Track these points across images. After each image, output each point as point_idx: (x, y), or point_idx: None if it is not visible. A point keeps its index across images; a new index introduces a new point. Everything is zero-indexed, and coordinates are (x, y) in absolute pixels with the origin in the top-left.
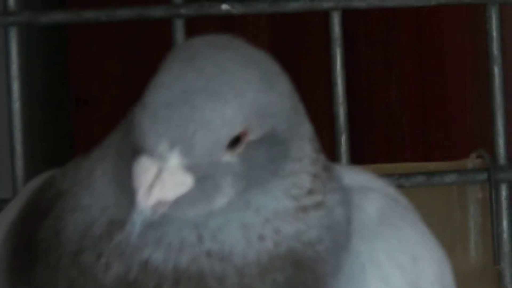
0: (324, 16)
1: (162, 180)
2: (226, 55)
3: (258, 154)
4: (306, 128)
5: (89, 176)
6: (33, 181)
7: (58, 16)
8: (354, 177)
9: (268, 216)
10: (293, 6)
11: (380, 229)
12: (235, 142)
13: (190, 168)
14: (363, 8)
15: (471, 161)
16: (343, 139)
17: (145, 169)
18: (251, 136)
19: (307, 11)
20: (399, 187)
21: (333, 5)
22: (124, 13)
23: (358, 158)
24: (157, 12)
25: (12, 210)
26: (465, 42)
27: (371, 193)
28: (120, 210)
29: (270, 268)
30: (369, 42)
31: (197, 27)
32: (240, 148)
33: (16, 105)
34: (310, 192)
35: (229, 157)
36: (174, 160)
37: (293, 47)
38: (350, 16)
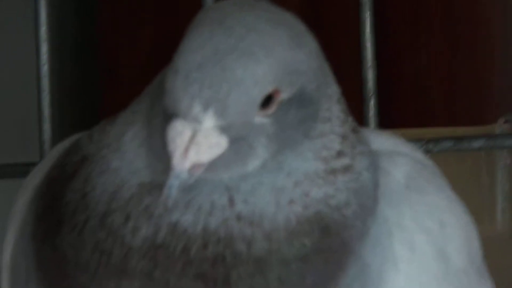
0: None
1: (198, 143)
2: (254, 15)
3: (289, 115)
4: (333, 89)
5: (118, 139)
6: (59, 145)
7: None
8: (382, 141)
9: (298, 179)
10: None
11: (407, 194)
12: (267, 102)
13: (224, 129)
14: None
15: (499, 126)
16: (372, 103)
17: (179, 133)
18: (282, 96)
19: None
20: (427, 152)
21: None
22: None
23: (386, 123)
24: None
25: (38, 173)
26: (495, 8)
27: (399, 157)
28: (151, 173)
29: (298, 232)
30: (398, 7)
31: None
32: (272, 109)
33: (45, 68)
34: (339, 154)
35: (262, 118)
36: (209, 122)
37: (322, 11)
38: None
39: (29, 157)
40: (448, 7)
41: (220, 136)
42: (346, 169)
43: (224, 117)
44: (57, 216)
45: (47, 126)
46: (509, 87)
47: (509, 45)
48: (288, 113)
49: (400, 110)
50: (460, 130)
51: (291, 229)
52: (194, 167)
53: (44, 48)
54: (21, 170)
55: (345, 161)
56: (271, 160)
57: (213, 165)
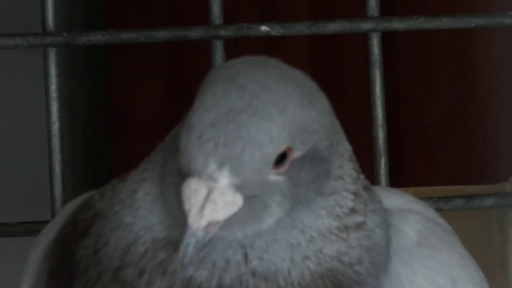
0: (363, 38)
1: (213, 201)
2: (265, 73)
3: (302, 172)
4: (345, 147)
5: (131, 196)
6: (72, 202)
7: (97, 37)
8: (394, 199)
9: (312, 235)
10: (332, 28)
11: (419, 251)
12: (281, 159)
13: (239, 187)
14: (402, 30)
15: (510, 184)
16: (383, 162)
17: (194, 191)
18: (295, 154)
19: (346, 33)
20: (438, 210)
21: (372, 27)
22: (162, 34)
23: (397, 181)
24: (196, 33)
25: (51, 231)
26: (508, 63)
27: (410, 215)
28: (165, 229)
29: None
30: (408, 64)
31: (236, 48)
32: (286, 166)
33: (55, 126)
34: (352, 211)
35: (276, 176)
36: (224, 180)
37: (333, 69)
38: (389, 38)
39: (40, 215)
40: (460, 64)
41: (235, 194)
42: (359, 226)
43: (239, 175)
44: (69, 273)
45: (58, 185)
46: None
47: None
48: (301, 170)
49: (411, 168)
50: (471, 189)
51: (304, 285)
52: (210, 225)
53: (54, 107)
54: (32, 229)
55: (357, 218)
56: (285, 218)
57: (228, 223)
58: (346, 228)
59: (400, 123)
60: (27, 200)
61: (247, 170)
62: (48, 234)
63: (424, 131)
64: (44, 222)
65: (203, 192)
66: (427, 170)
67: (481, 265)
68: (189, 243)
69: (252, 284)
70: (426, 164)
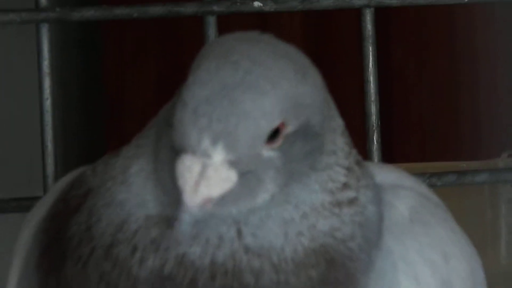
0: (357, 14)
1: (207, 177)
2: (259, 49)
3: (296, 147)
4: (337, 122)
5: (124, 172)
6: (63, 179)
7: (89, 13)
8: (386, 174)
9: (305, 211)
10: (325, 3)
11: (411, 226)
12: (274, 135)
13: (233, 163)
14: (395, 5)
15: (503, 161)
16: (375, 137)
17: (189, 167)
18: (289, 129)
19: (339, 9)
20: (431, 186)
21: (365, 3)
22: (155, 9)
23: (389, 157)
24: (189, 9)
25: (42, 207)
26: (499, 41)
27: (402, 190)
28: (158, 206)
29: (305, 264)
30: (401, 40)
31: (229, 25)
32: (279, 142)
33: (47, 102)
34: (345, 186)
35: (269, 151)
36: (218, 156)
37: (326, 44)
38: (382, 14)
39: (33, 191)
40: (451, 43)
41: (230, 170)
42: (351, 202)
43: (233, 151)
44: (61, 249)
45: (50, 161)
46: None
47: None
48: (294, 145)
49: (403, 144)
50: (463, 165)
51: (298, 261)
52: (205, 201)
53: (47, 83)
54: (25, 205)
55: (350, 193)
56: (279, 193)
57: (223, 199)
58: (339, 204)
59: (393, 99)
60: (20, 177)
61: (242, 146)
62: (40, 211)
63: (416, 107)
64: (37, 198)
65: (197, 168)
66: (419, 146)
67: (473, 241)
68: (184, 220)
69: (245, 261)
70: (418, 140)
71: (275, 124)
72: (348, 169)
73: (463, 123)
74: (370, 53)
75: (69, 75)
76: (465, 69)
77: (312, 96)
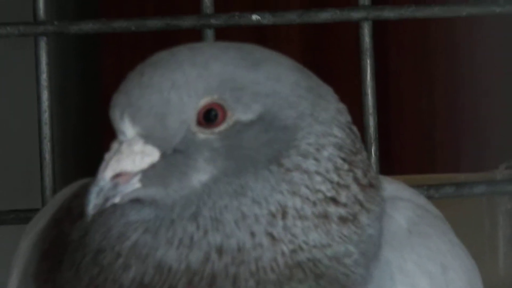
0: (355, 27)
1: (119, 151)
2: (210, 47)
3: (248, 136)
4: (332, 133)
5: None
6: (63, 191)
7: (88, 26)
8: (385, 186)
9: (271, 210)
10: (323, 17)
11: (410, 238)
12: (211, 117)
13: (148, 137)
14: (393, 18)
15: (500, 172)
16: (373, 150)
17: (110, 148)
18: (240, 117)
19: (338, 22)
20: (429, 198)
21: (363, 16)
22: (154, 23)
23: (387, 169)
24: (187, 22)
25: (43, 217)
26: (498, 53)
27: (401, 202)
28: (137, 213)
29: (288, 277)
30: (399, 52)
31: (227, 38)
32: (221, 127)
33: (46, 115)
34: (332, 201)
35: (207, 134)
36: (129, 130)
37: (324, 57)
38: (380, 27)
39: (31, 203)
40: (450, 53)
41: (146, 146)
42: (343, 220)
43: (138, 121)
44: (60, 254)
45: (48, 173)
46: (510, 133)
47: (511, 91)
48: (245, 133)
49: (402, 157)
50: (461, 177)
51: (278, 272)
52: (121, 176)
53: (45, 95)
54: (23, 216)
55: (341, 211)
56: (225, 179)
57: (147, 177)
58: (326, 218)
59: (391, 111)
60: (18, 189)
61: (145, 115)
62: (39, 222)
63: (414, 119)
64: (35, 210)
65: (114, 147)
66: (417, 158)
67: (471, 252)
68: (91, 191)
69: (221, 266)
70: (416, 152)
71: (199, 101)
72: (339, 184)
73: (461, 135)
74: (368, 66)
75: (68, 87)
76: (464, 81)
77: (268, 86)
